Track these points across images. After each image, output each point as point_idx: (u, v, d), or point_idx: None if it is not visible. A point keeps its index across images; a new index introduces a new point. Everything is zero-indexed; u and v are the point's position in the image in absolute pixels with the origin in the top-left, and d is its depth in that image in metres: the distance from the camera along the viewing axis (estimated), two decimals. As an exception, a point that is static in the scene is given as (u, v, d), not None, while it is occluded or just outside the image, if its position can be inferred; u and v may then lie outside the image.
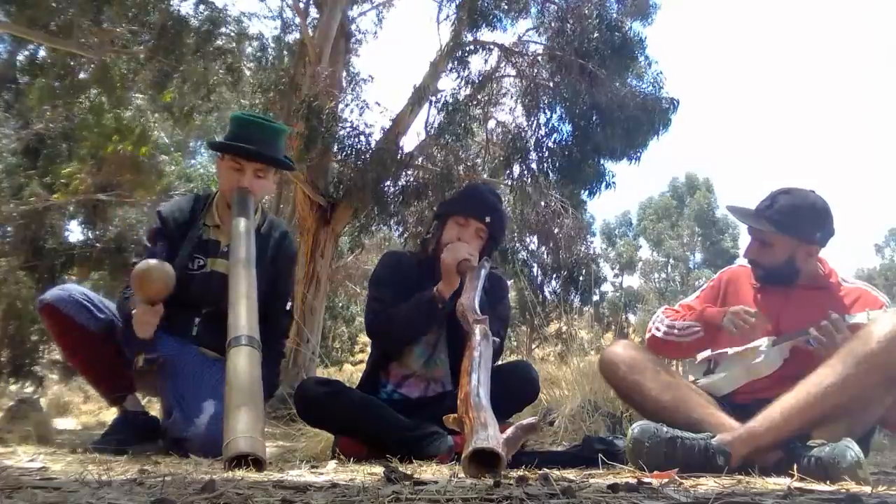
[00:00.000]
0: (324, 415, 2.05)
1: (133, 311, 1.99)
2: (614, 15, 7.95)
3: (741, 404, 1.78)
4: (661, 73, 8.07)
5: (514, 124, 8.34)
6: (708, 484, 1.26)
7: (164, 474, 1.24)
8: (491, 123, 8.67)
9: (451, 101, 7.51)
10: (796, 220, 1.89)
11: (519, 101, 8.27)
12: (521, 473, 1.31)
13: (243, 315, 1.76)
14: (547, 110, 7.98)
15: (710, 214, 29.64)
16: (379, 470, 1.38)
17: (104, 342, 2.04)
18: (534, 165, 7.85)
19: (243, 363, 1.65)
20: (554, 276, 9.31)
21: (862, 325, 1.69)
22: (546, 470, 1.41)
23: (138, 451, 1.91)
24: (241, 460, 1.42)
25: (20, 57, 10.37)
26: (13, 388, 13.54)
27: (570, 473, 1.42)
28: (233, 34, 8.82)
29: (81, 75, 9.07)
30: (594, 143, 7.51)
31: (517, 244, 9.55)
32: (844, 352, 1.62)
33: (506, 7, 7.81)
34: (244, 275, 1.87)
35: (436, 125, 7.54)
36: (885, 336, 1.58)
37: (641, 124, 7.41)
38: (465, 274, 1.99)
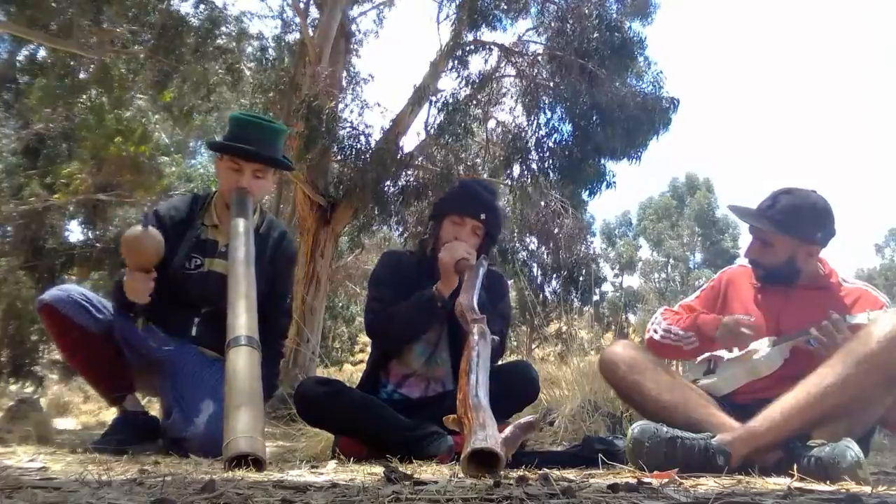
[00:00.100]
0: (324, 415, 2.05)
1: (124, 279, 2.00)
2: (614, 15, 7.96)
3: (741, 404, 1.78)
4: (661, 72, 8.09)
5: (514, 124, 8.35)
6: (708, 484, 1.26)
7: (164, 474, 1.24)
8: (491, 123, 8.67)
9: (451, 100, 7.52)
10: (797, 220, 1.89)
11: (519, 100, 8.27)
12: (521, 473, 1.31)
13: (243, 315, 1.76)
14: (547, 110, 7.99)
15: (710, 214, 29.63)
16: (379, 470, 1.38)
17: (103, 342, 2.04)
18: (534, 165, 7.85)
19: (243, 363, 1.65)
20: (554, 276, 9.32)
21: (862, 325, 1.69)
22: (546, 470, 1.41)
23: (138, 451, 1.91)
24: (241, 460, 1.42)
25: (20, 57, 10.37)
26: (13, 388, 13.54)
27: (570, 473, 1.42)
28: (233, 34, 8.82)
29: (81, 75, 9.07)
30: (594, 143, 7.51)
31: (517, 244, 9.56)
32: (844, 352, 1.62)
33: (505, 7, 7.81)
34: (243, 275, 1.86)
35: (436, 125, 7.55)
36: (886, 336, 1.58)
37: (642, 124, 7.42)
38: (464, 273, 1.99)
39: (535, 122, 7.99)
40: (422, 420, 1.93)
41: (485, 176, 8.08)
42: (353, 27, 9.07)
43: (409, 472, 1.27)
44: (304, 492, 1.06)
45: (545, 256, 9.31)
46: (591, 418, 2.97)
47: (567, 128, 7.84)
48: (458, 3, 7.70)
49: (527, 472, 1.35)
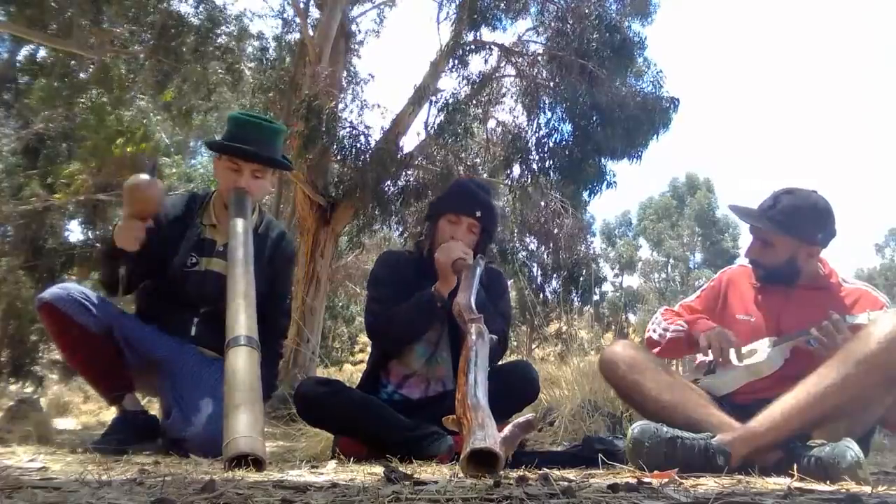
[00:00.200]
0: (324, 415, 2.05)
1: (117, 224, 2.01)
2: (614, 14, 7.96)
3: (741, 404, 1.78)
4: (660, 71, 8.10)
5: (514, 124, 8.36)
6: (708, 484, 1.26)
7: (164, 474, 1.24)
8: (491, 123, 8.68)
9: (451, 100, 7.52)
10: (798, 220, 1.89)
11: (519, 100, 8.28)
12: (521, 473, 1.31)
13: (242, 315, 1.76)
14: (547, 110, 7.99)
15: (710, 214, 29.64)
16: (379, 470, 1.38)
17: (103, 341, 2.04)
18: (534, 165, 7.85)
19: (242, 363, 1.65)
20: (554, 276, 9.32)
21: (862, 325, 1.69)
22: (546, 470, 1.41)
23: (138, 451, 1.91)
24: (240, 460, 1.42)
25: (20, 57, 10.38)
26: (13, 388, 13.54)
27: (570, 473, 1.42)
28: (233, 33, 8.82)
29: (81, 75, 9.07)
30: (594, 143, 7.51)
31: (517, 244, 9.56)
32: (845, 352, 1.62)
33: (505, 7, 7.81)
34: (242, 275, 1.86)
35: (436, 125, 7.55)
36: (886, 336, 1.57)
37: (642, 124, 7.42)
38: (461, 272, 1.99)
39: (535, 121, 8.00)
40: (422, 420, 1.93)
41: (484, 176, 8.08)
42: (354, 27, 9.07)
43: (409, 472, 1.27)
44: (304, 492, 1.06)
45: (545, 256, 9.32)
46: (591, 418, 2.97)
47: (567, 128, 7.85)
48: (458, 3, 7.70)
49: (527, 472, 1.35)
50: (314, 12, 8.70)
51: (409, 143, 7.78)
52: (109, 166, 10.16)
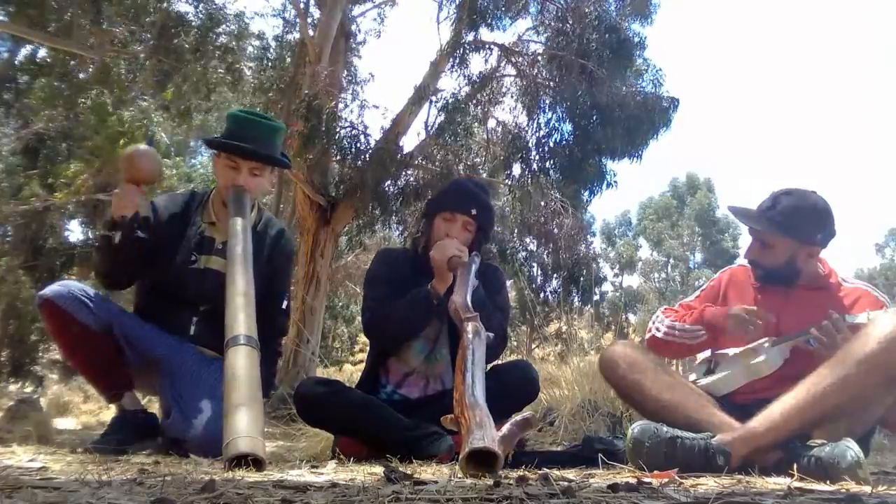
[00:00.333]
0: (324, 415, 2.05)
1: (115, 191, 2.02)
2: (613, 15, 7.95)
3: (741, 404, 1.78)
4: (659, 70, 8.10)
5: (514, 124, 8.36)
6: (708, 484, 1.26)
7: (164, 474, 1.24)
8: (491, 123, 8.68)
9: (451, 100, 7.52)
10: (798, 221, 1.89)
11: (519, 100, 8.28)
12: (521, 473, 1.31)
13: (241, 314, 1.76)
14: (547, 110, 7.99)
15: (710, 214, 29.65)
16: (379, 470, 1.38)
17: (103, 340, 2.03)
18: (534, 165, 7.85)
19: (242, 363, 1.65)
20: (554, 276, 9.32)
21: (862, 325, 1.69)
22: (546, 470, 1.41)
23: (138, 450, 1.90)
24: (240, 460, 1.42)
25: (20, 57, 10.38)
26: (13, 388, 13.54)
27: (570, 473, 1.42)
28: (233, 32, 8.81)
29: (81, 75, 9.07)
30: (595, 143, 7.51)
31: (517, 244, 9.56)
32: (844, 352, 1.62)
33: (504, 6, 7.81)
34: (241, 273, 1.86)
35: (436, 125, 7.55)
36: (885, 336, 1.57)
37: (642, 123, 7.42)
38: (457, 270, 1.99)
39: (535, 121, 8.00)
40: (422, 420, 1.93)
41: (484, 176, 8.08)
42: (354, 27, 9.07)
43: (409, 472, 1.27)
44: (304, 492, 1.06)
45: (545, 256, 9.31)
46: (591, 418, 2.97)
47: (567, 127, 7.85)
48: (458, 2, 7.70)
49: (527, 472, 1.35)
50: (314, 12, 8.71)
51: (409, 143, 7.80)
52: (110, 166, 10.17)
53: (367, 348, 2.32)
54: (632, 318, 26.45)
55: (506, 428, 1.40)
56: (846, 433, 1.54)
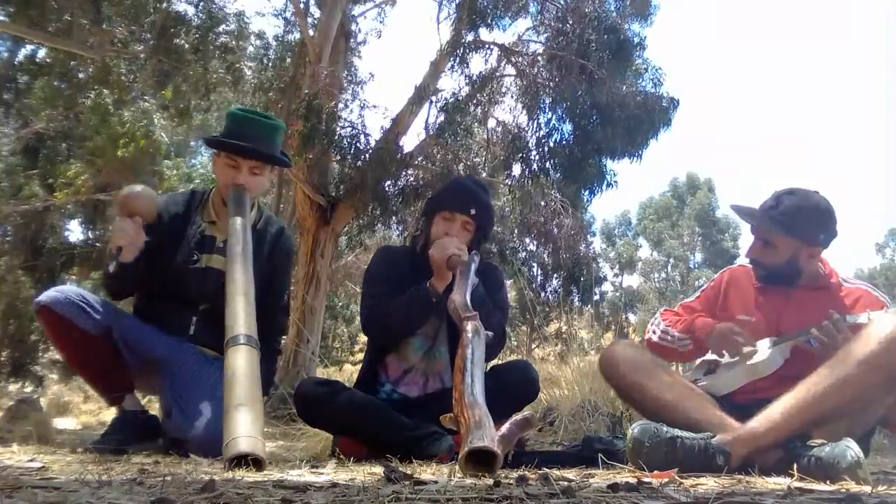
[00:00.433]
0: (324, 415, 2.05)
1: (112, 224, 2.02)
2: (614, 16, 7.95)
3: (741, 404, 1.78)
4: (659, 69, 8.10)
5: (514, 124, 8.35)
6: (708, 484, 1.26)
7: (164, 474, 1.24)
8: (491, 123, 8.67)
9: (451, 100, 7.52)
10: (800, 221, 1.89)
11: (519, 100, 8.27)
12: (521, 473, 1.31)
13: (241, 314, 1.76)
14: (547, 109, 7.98)
15: (710, 214, 29.65)
16: (379, 470, 1.38)
17: (102, 343, 2.03)
18: (535, 165, 7.84)
19: (242, 363, 1.65)
20: (554, 276, 9.31)
21: (862, 325, 1.69)
22: (546, 470, 1.41)
23: (138, 451, 1.90)
24: (240, 460, 1.42)
25: (20, 57, 10.38)
26: (13, 388, 13.53)
27: (570, 473, 1.42)
28: (234, 32, 8.81)
29: (81, 75, 9.07)
30: (595, 142, 7.50)
31: (517, 244, 9.56)
32: (845, 352, 1.62)
33: (504, 6, 7.81)
34: (241, 273, 1.86)
35: (436, 125, 7.54)
36: (886, 336, 1.57)
37: (642, 123, 7.41)
38: (456, 268, 1.99)
39: (536, 121, 7.99)
40: (421, 419, 1.93)
41: (484, 176, 8.08)
42: (354, 27, 9.07)
43: (409, 472, 1.27)
44: (304, 492, 1.06)
45: (545, 256, 9.31)
46: (591, 418, 2.97)
47: (567, 127, 7.84)
48: (457, 2, 7.70)
49: (527, 472, 1.35)
50: (314, 11, 8.71)
51: (409, 142, 7.79)
52: (111, 167, 10.17)
53: (366, 347, 2.32)
54: (632, 318, 26.46)
55: (505, 428, 1.40)
56: (846, 433, 1.54)
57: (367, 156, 7.14)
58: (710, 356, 2.00)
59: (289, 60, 8.96)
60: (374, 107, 7.67)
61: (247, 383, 1.61)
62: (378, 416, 1.95)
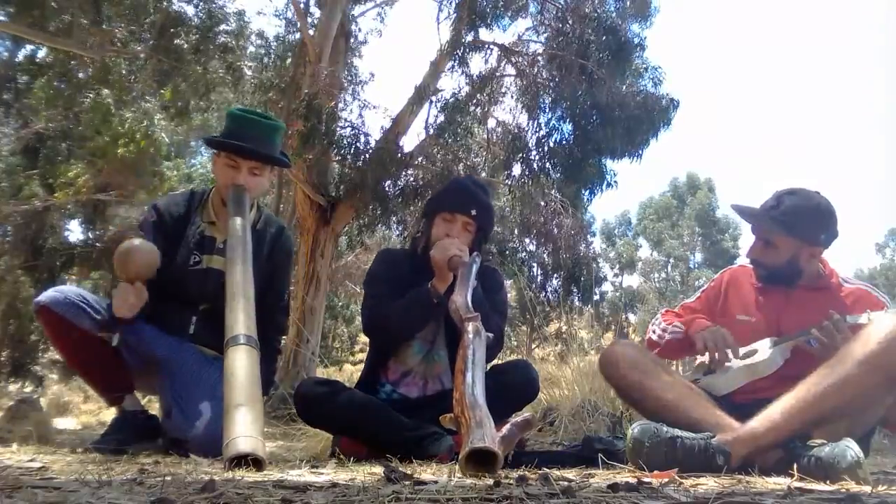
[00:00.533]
0: (324, 415, 2.05)
1: (113, 290, 1.99)
2: (613, 16, 7.95)
3: (741, 404, 1.78)
4: (659, 69, 8.10)
5: (514, 124, 8.35)
6: (708, 484, 1.26)
7: (164, 474, 1.24)
8: (491, 123, 8.67)
9: (451, 100, 7.52)
10: (801, 221, 1.89)
11: (519, 100, 8.27)
12: (521, 473, 1.31)
13: (241, 314, 1.76)
14: (547, 109, 7.99)
15: (710, 214, 29.65)
16: (379, 470, 1.38)
17: (101, 343, 2.03)
18: (535, 165, 7.84)
19: (242, 363, 1.65)
20: (554, 276, 9.31)
21: (862, 325, 1.69)
22: (546, 470, 1.41)
23: (138, 451, 1.90)
24: (240, 460, 1.42)
25: (20, 57, 10.38)
26: (13, 388, 13.54)
27: (570, 473, 1.42)
28: (234, 31, 8.81)
29: (81, 75, 9.08)
30: (595, 142, 7.51)
31: (517, 244, 9.56)
32: (845, 352, 1.62)
33: (504, 6, 7.81)
34: (241, 273, 1.86)
35: (436, 125, 7.54)
36: (886, 337, 1.57)
37: (642, 122, 7.41)
38: (457, 269, 1.99)
39: (536, 121, 7.99)
40: (421, 420, 1.93)
41: (484, 176, 8.08)
42: (354, 27, 9.07)
43: (409, 472, 1.27)
44: (304, 492, 1.06)
45: (545, 256, 9.31)
46: (591, 418, 2.97)
47: (567, 127, 7.84)
48: (457, 2, 7.70)
49: (527, 472, 1.35)
50: (315, 11, 8.71)
51: (409, 142, 7.79)
52: (111, 166, 10.17)
53: (367, 348, 2.32)
54: (632, 318, 26.48)
55: (506, 428, 1.40)
56: (846, 433, 1.54)
57: (367, 156, 7.14)
58: (708, 357, 2.00)
59: (289, 60, 8.96)
60: (374, 107, 7.69)
61: (247, 383, 1.61)
62: (378, 416, 1.95)
